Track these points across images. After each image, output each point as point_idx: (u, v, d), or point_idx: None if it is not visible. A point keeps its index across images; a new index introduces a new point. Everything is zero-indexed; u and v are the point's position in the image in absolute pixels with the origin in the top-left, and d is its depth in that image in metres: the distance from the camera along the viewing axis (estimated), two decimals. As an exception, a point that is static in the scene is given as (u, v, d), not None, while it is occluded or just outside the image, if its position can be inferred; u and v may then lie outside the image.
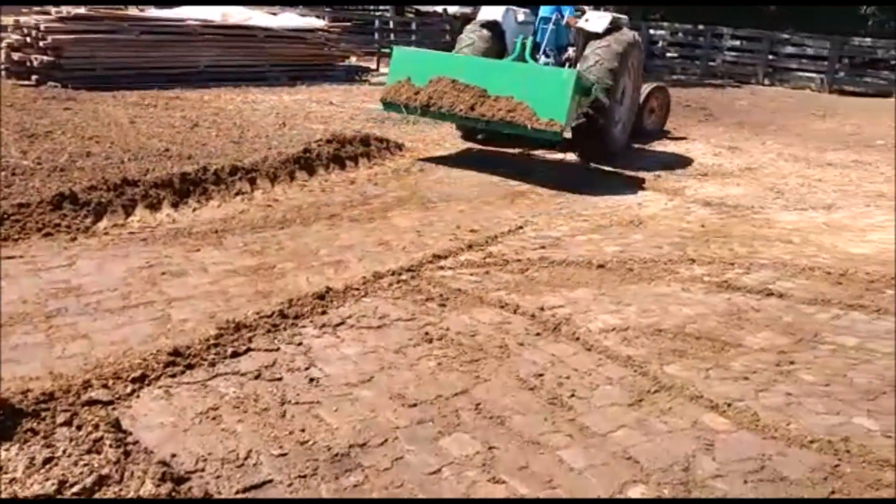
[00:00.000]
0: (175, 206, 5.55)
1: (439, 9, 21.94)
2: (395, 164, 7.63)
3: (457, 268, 4.78)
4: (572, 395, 3.27)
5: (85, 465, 2.47)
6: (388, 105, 7.91)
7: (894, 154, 10.42)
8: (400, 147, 8.23)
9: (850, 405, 3.36)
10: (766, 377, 3.57)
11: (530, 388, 3.32)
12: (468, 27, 8.93)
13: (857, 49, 20.93)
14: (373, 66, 17.03)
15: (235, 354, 3.38)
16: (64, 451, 2.53)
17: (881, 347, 3.98)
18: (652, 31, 22.74)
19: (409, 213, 5.99)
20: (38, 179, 5.77)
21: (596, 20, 8.25)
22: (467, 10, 21.18)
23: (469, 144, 8.96)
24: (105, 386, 3.00)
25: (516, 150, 8.78)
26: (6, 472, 2.39)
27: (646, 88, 9.99)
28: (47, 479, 2.39)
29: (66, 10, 11.39)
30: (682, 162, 9.01)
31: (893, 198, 7.75)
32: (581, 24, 8.37)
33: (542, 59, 8.71)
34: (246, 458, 2.66)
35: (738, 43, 21.96)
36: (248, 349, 3.45)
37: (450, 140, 9.16)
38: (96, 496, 2.37)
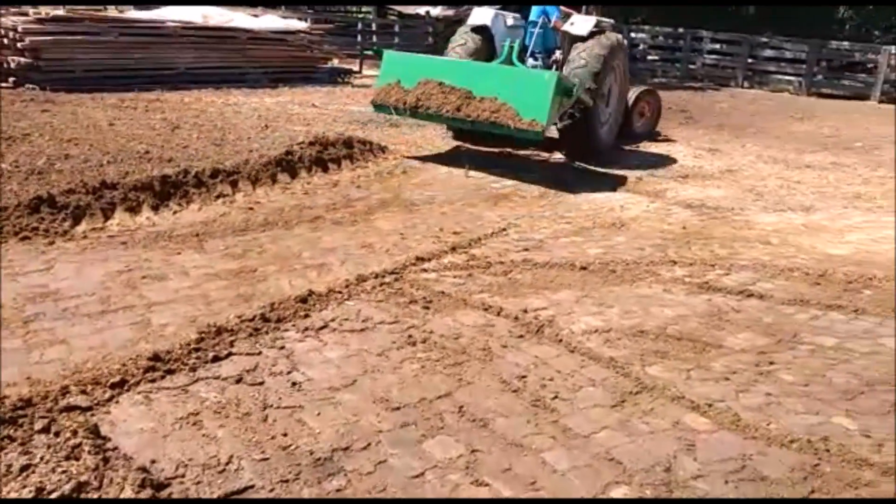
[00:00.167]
0: (155, 209, 5.50)
1: (422, 11, 21.93)
2: (378, 167, 7.62)
3: (440, 270, 4.78)
4: (555, 397, 3.28)
5: (63, 471, 2.44)
6: (379, 107, 8.08)
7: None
8: (383, 149, 8.22)
9: (829, 405, 3.39)
10: (746, 377, 3.60)
11: (513, 391, 3.32)
12: (460, 29, 9.16)
13: (835, 52, 21.20)
14: (355, 68, 17.00)
15: (216, 359, 3.36)
16: (42, 458, 2.50)
17: (859, 347, 4.03)
18: (633, 35, 22.91)
19: (392, 215, 5.98)
20: (15, 182, 5.69)
21: (580, 23, 8.55)
22: (450, 12, 21.25)
23: (454, 144, 9.05)
24: (84, 392, 2.96)
25: (499, 150, 8.81)
26: (-18, 481, 2.36)
27: (635, 91, 10.20)
28: (24, 487, 2.36)
29: (44, 11, 11.29)
30: (663, 164, 9.08)
31: (873, 199, 7.86)
32: (566, 27, 8.64)
33: (531, 61, 8.93)
34: (227, 464, 2.64)
35: (717, 46, 22.21)
36: (230, 353, 3.42)
37: (434, 142, 9.18)
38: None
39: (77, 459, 2.51)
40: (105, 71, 11.39)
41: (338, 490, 2.57)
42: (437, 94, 7.56)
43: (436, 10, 21.67)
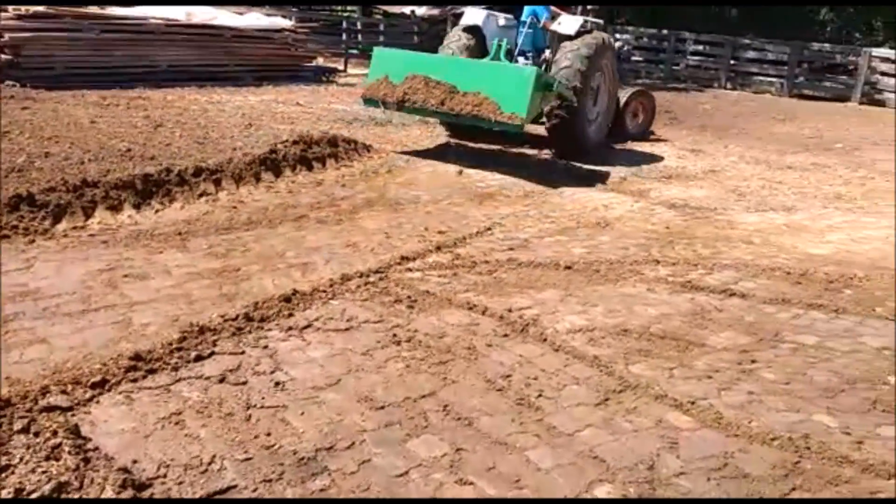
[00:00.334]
0: (137, 207, 5.45)
1: (407, 10, 21.89)
2: (363, 166, 7.60)
3: (425, 269, 4.77)
4: (540, 396, 3.29)
5: (43, 472, 2.41)
6: (368, 101, 8.29)
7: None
8: (368, 148, 8.20)
9: (810, 403, 3.42)
10: (728, 376, 3.63)
11: (498, 389, 3.32)
12: (455, 29, 9.45)
13: (817, 54, 21.42)
14: (340, 66, 16.94)
15: (199, 358, 3.33)
16: (21, 459, 2.47)
17: (840, 346, 4.07)
18: (617, 35, 23.01)
19: (377, 214, 5.97)
20: (-6, 180, 5.62)
21: (568, 23, 8.82)
22: (435, 11, 21.22)
23: (441, 141, 9.11)
24: (64, 391, 2.93)
25: (490, 148, 8.83)
26: (-41, 482, 2.32)
27: (628, 92, 10.33)
28: (3, 488, 2.33)
29: (24, 8, 11.12)
30: (647, 163, 9.14)
31: (854, 200, 7.95)
32: (554, 27, 8.90)
33: (521, 60, 9.14)
34: (210, 464, 2.62)
35: (701, 48, 22.38)
36: (213, 353, 3.39)
37: (420, 142, 9.17)
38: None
39: (57, 460, 2.48)
40: (86, 68, 11.26)
41: (321, 490, 2.56)
42: (422, 89, 7.75)
43: (421, 10, 21.62)
